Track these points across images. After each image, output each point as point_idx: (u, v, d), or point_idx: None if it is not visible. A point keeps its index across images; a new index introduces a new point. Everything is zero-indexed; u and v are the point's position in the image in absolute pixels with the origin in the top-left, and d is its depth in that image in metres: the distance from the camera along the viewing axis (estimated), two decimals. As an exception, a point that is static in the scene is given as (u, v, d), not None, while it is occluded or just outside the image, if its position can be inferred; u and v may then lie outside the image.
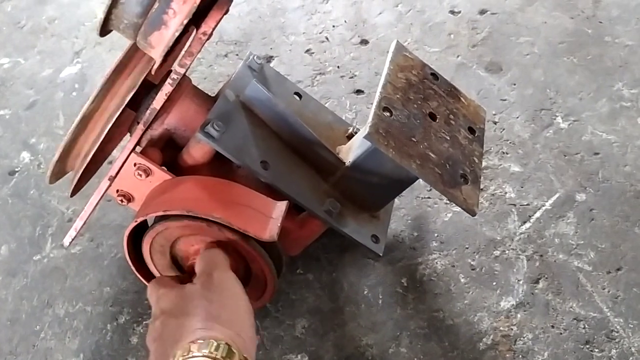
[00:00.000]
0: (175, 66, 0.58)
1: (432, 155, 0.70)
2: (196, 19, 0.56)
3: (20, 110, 1.02)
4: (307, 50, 1.11)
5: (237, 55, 1.10)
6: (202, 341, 0.53)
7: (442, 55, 1.10)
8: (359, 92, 1.04)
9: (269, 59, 1.09)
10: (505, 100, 1.03)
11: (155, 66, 0.57)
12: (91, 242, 0.86)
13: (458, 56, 1.10)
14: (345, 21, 1.16)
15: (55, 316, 0.79)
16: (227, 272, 0.64)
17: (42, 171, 0.93)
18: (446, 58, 1.09)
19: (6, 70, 1.08)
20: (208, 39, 0.57)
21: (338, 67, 1.08)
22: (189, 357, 0.52)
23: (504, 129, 0.99)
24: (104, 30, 0.55)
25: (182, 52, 0.59)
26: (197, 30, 0.57)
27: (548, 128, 0.99)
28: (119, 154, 0.69)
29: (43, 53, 1.10)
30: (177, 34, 0.53)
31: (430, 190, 0.90)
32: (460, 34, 1.13)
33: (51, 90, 1.04)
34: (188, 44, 0.58)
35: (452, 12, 1.18)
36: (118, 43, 1.09)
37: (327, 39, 1.13)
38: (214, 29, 0.57)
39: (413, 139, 0.70)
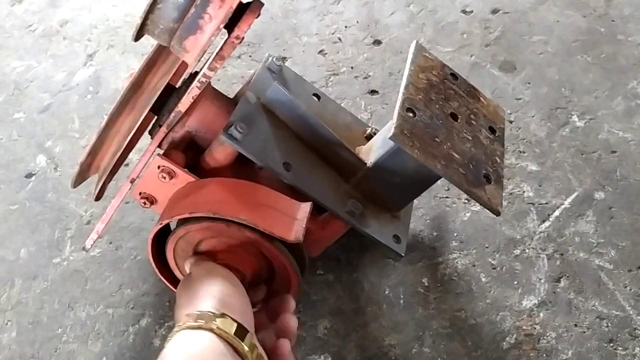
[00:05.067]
0: (205, 69, 0.58)
1: (456, 155, 0.70)
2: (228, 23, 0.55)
3: (35, 113, 1.01)
4: (320, 51, 1.11)
5: (250, 56, 1.10)
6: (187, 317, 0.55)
7: (456, 54, 1.10)
8: (373, 92, 1.04)
9: (282, 60, 1.09)
10: (520, 99, 1.03)
11: (189, 70, 0.56)
12: (110, 244, 0.86)
13: (472, 56, 1.10)
14: (357, 22, 1.16)
15: (77, 319, 0.79)
16: (202, 264, 0.65)
17: (59, 174, 0.93)
18: (460, 58, 1.09)
19: (20, 74, 1.07)
20: (240, 43, 0.57)
21: (352, 67, 1.08)
22: (174, 333, 0.54)
23: (520, 128, 0.99)
24: (139, 35, 0.55)
25: (212, 56, 0.59)
26: (229, 34, 0.57)
27: (564, 127, 0.99)
28: (137, 156, 0.69)
29: (56, 56, 1.10)
30: (213, 39, 0.53)
31: (449, 189, 0.90)
32: (473, 34, 1.13)
33: (65, 93, 1.04)
34: (219, 47, 0.58)
35: (464, 11, 1.17)
36: (130, 45, 1.09)
37: (339, 39, 1.13)
38: (245, 33, 0.57)
39: (436, 139, 0.70)
